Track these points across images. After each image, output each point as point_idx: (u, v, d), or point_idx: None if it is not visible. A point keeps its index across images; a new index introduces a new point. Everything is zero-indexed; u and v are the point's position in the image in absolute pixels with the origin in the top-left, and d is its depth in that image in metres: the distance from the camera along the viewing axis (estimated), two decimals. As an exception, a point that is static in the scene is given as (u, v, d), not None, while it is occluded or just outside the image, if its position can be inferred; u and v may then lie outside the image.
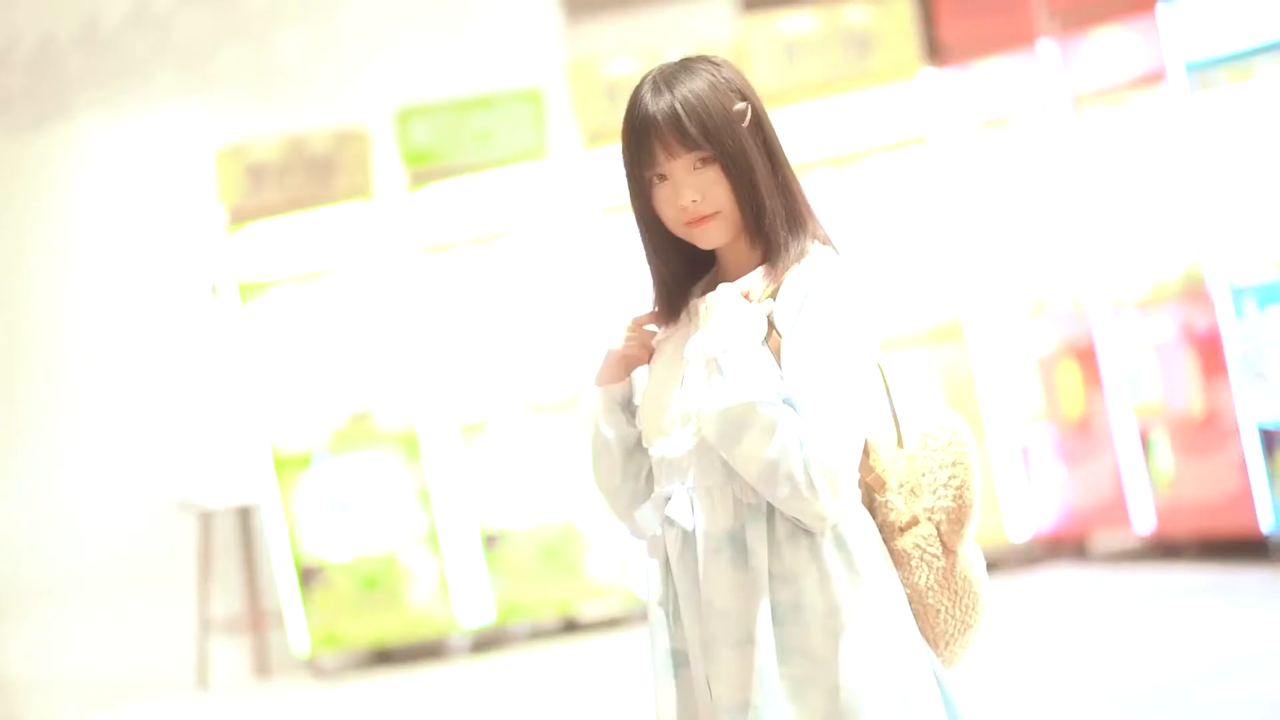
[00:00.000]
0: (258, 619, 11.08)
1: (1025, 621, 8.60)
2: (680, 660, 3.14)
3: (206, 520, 11.20)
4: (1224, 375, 8.83)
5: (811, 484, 2.96)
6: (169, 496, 11.32)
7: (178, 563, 11.37)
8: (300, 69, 11.76)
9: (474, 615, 10.58)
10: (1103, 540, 10.19)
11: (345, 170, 10.78)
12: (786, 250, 3.09)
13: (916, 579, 3.13)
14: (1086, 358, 9.67)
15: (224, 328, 10.96)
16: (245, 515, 11.21)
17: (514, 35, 11.78)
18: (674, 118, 3.05)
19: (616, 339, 3.24)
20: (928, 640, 3.15)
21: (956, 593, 3.16)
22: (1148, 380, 9.32)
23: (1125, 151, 9.35)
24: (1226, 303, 8.76)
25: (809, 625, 3.03)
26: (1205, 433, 9.03)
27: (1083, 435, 9.76)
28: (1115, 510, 9.61)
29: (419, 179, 10.72)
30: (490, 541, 10.57)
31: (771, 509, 3.05)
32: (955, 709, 3.13)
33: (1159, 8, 8.91)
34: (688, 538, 3.10)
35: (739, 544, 3.07)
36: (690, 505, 3.10)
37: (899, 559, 3.13)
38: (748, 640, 3.04)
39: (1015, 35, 9.86)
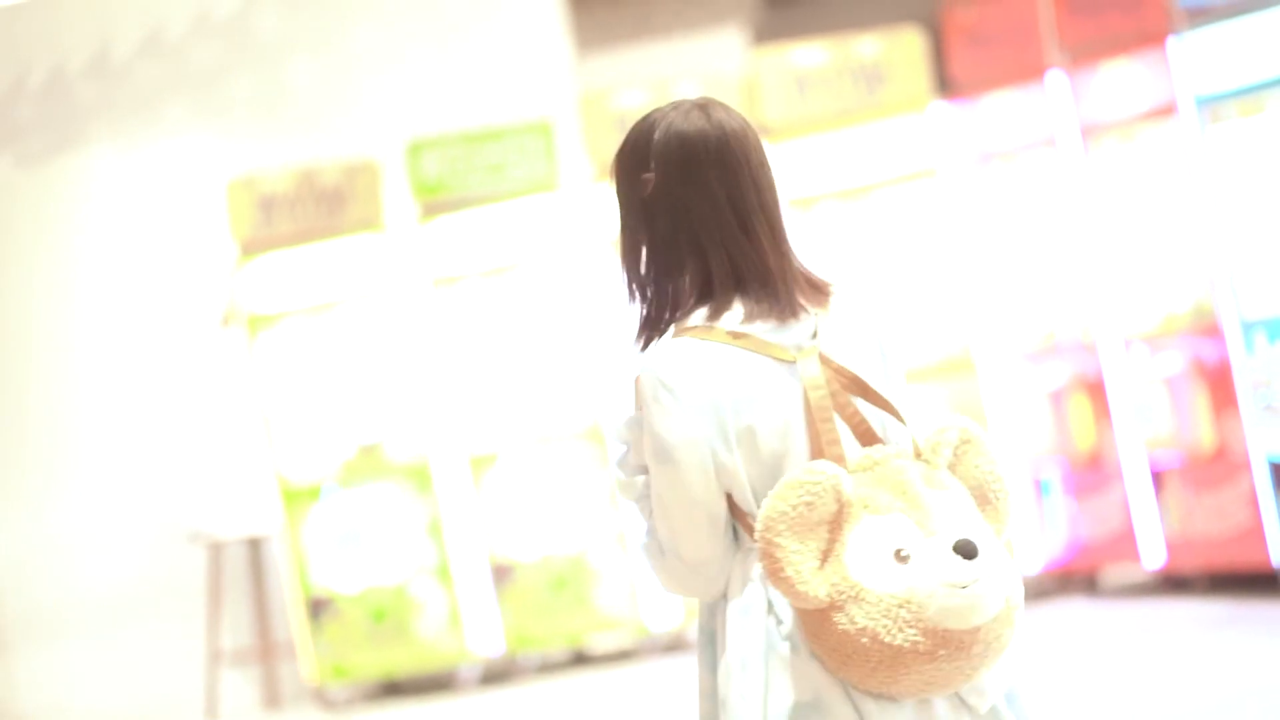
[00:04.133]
0: (267, 650, 11.08)
1: (1035, 656, 8.58)
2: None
3: (216, 551, 11.20)
4: (1234, 409, 8.83)
5: None
6: (179, 528, 11.32)
7: (187, 594, 11.36)
8: (311, 100, 11.77)
9: (484, 647, 10.57)
10: (1113, 574, 10.18)
11: (356, 202, 10.80)
12: None
13: None
14: (1097, 391, 9.66)
15: (234, 359, 10.97)
16: (255, 546, 11.21)
17: (525, 67, 11.79)
18: None
19: None
20: None
21: None
22: (1158, 414, 9.31)
23: (1135, 185, 9.35)
24: (1237, 336, 8.76)
25: None
26: (1215, 466, 9.02)
27: (1093, 469, 9.75)
28: (1125, 544, 9.59)
29: (430, 211, 10.73)
30: (500, 573, 10.56)
31: None
32: None
33: (1169, 41, 8.92)
34: None
35: None
36: None
37: None
38: None
39: (1025, 68, 9.87)
